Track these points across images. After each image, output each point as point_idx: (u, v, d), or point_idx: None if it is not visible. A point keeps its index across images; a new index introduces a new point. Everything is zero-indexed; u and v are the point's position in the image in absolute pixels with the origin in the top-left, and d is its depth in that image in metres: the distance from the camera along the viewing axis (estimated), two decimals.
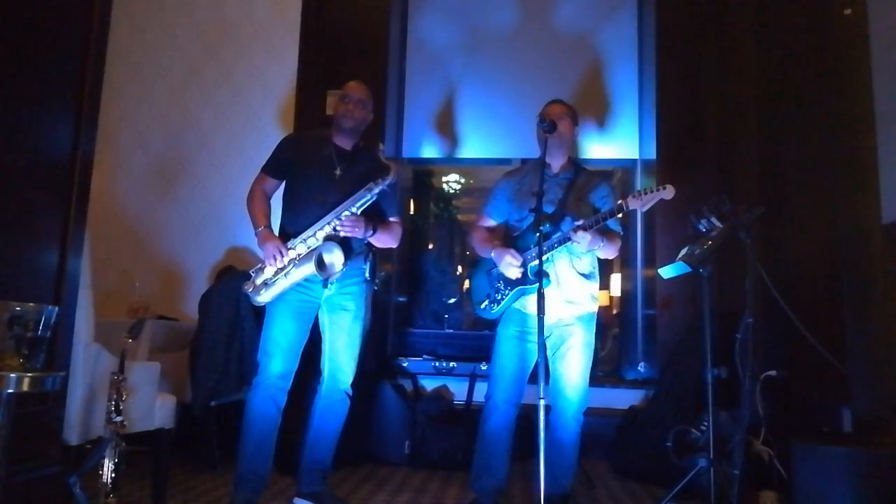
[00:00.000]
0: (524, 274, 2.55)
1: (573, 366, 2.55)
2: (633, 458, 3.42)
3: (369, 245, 2.64)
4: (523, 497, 2.96)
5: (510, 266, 2.56)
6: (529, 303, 2.55)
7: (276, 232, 2.61)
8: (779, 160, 3.47)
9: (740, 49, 3.89)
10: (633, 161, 4.63)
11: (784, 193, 3.38)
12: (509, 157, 4.64)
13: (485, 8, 4.80)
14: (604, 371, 4.55)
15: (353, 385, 2.62)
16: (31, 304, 1.71)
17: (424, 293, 5.27)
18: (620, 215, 2.53)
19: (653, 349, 4.16)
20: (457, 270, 5.71)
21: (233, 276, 3.42)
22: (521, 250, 2.58)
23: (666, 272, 2.69)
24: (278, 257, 2.48)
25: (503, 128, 4.64)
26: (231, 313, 3.26)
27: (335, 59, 4.40)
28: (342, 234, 2.50)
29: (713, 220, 2.56)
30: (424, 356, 4.30)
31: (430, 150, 4.80)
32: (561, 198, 2.61)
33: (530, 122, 2.62)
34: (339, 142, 2.67)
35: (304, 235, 2.50)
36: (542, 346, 2.20)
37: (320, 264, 2.45)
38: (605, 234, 2.53)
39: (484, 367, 3.81)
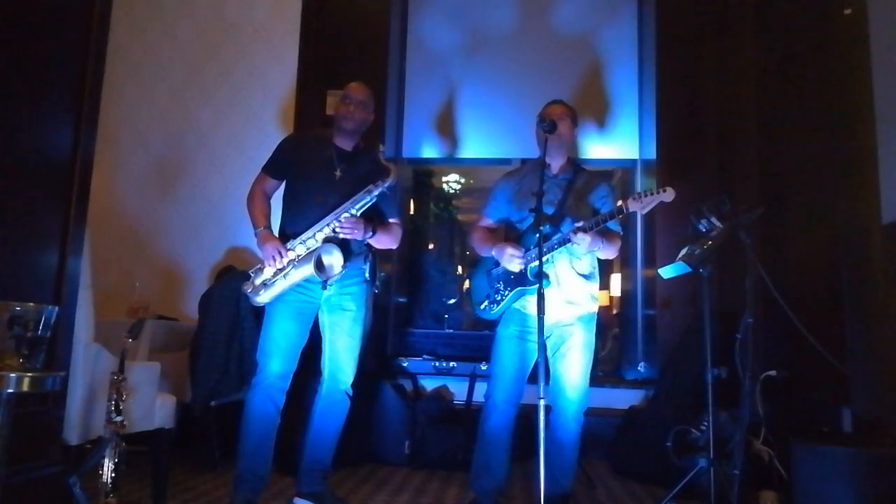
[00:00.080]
0: (524, 274, 2.55)
1: (573, 366, 2.54)
2: (633, 458, 3.42)
3: (369, 246, 2.64)
4: (523, 497, 2.96)
5: (512, 259, 2.55)
6: (529, 303, 2.55)
7: (276, 232, 2.61)
8: (779, 160, 3.47)
9: (740, 49, 3.89)
10: (633, 161, 4.63)
11: (784, 193, 3.38)
12: (509, 157, 4.64)
13: (485, 8, 4.80)
14: (604, 371, 4.56)
15: (354, 385, 2.62)
16: (31, 304, 1.71)
17: (424, 293, 5.28)
18: (620, 216, 2.53)
19: (653, 349, 4.16)
20: (457, 270, 5.71)
21: (233, 276, 3.42)
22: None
23: (666, 272, 2.69)
24: (277, 258, 2.48)
25: (503, 128, 4.65)
26: (231, 313, 3.26)
27: (335, 59, 4.41)
28: (341, 235, 2.50)
29: (713, 220, 2.56)
30: (424, 356, 4.30)
31: (430, 150, 4.80)
32: (560, 199, 2.61)
33: (530, 122, 2.62)
34: (340, 143, 2.66)
35: (303, 237, 2.50)
36: (542, 346, 2.19)
37: (319, 266, 2.45)
38: (605, 234, 2.52)
39: (484, 367, 3.82)
